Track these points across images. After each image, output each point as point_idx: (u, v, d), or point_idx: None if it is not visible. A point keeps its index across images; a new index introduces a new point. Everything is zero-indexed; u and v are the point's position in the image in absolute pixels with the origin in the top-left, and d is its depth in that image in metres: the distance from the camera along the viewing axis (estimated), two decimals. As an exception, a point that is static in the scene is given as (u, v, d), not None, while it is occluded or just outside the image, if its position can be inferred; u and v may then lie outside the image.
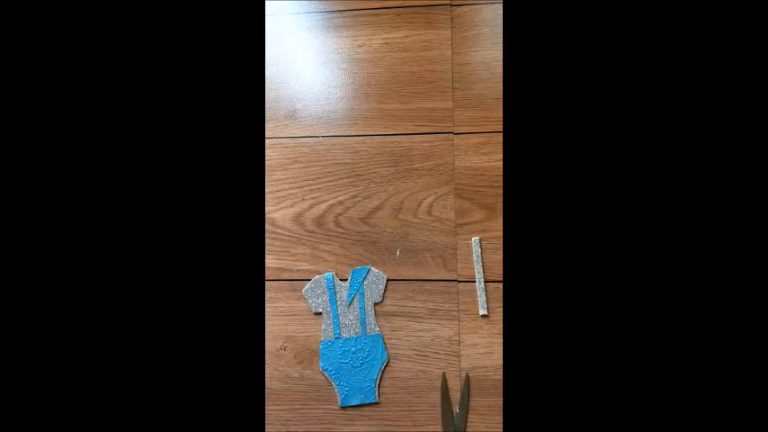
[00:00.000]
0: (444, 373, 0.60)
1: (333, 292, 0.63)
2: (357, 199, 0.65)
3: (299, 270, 0.64)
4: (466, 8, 0.67)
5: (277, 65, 0.69)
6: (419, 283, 0.62)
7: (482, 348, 0.60)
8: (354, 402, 0.60)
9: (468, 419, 0.59)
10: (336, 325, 0.62)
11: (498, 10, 0.67)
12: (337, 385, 0.60)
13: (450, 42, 0.67)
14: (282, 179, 0.66)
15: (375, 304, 0.62)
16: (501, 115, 0.65)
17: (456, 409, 0.59)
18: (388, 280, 0.63)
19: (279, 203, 0.66)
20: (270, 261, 0.64)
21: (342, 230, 0.64)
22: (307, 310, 0.63)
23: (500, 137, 0.64)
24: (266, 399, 0.60)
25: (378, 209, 0.64)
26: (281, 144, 0.67)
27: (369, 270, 0.63)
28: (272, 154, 0.67)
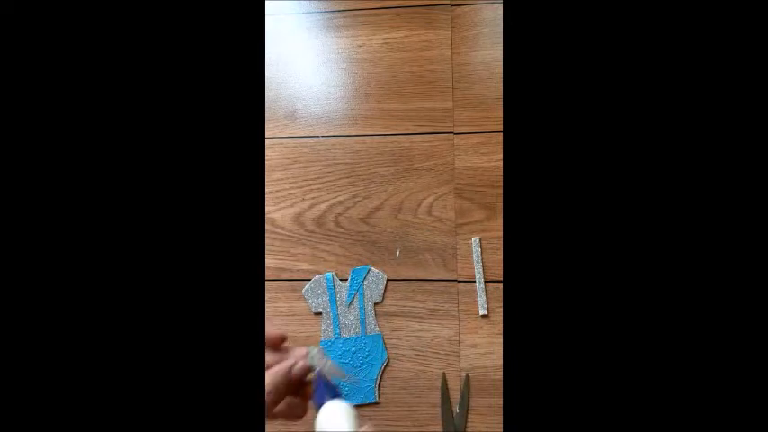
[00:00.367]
0: (444, 373, 0.60)
1: (333, 292, 0.63)
2: (357, 199, 0.65)
3: (299, 270, 0.64)
4: (466, 8, 0.67)
5: (277, 65, 0.69)
6: (419, 283, 0.62)
7: (482, 348, 0.60)
8: (354, 402, 0.60)
9: (468, 419, 0.59)
10: (336, 325, 0.62)
11: (498, 10, 0.67)
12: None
13: (450, 42, 0.67)
14: (282, 179, 0.66)
15: (375, 304, 0.62)
16: (501, 115, 0.65)
17: (456, 409, 0.59)
18: (388, 280, 0.62)
19: (279, 203, 0.66)
20: (270, 261, 0.64)
21: (342, 230, 0.64)
22: (307, 310, 0.63)
23: (500, 137, 0.64)
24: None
25: (378, 209, 0.64)
26: (281, 144, 0.67)
27: (369, 270, 0.63)
28: (272, 154, 0.66)
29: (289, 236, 0.65)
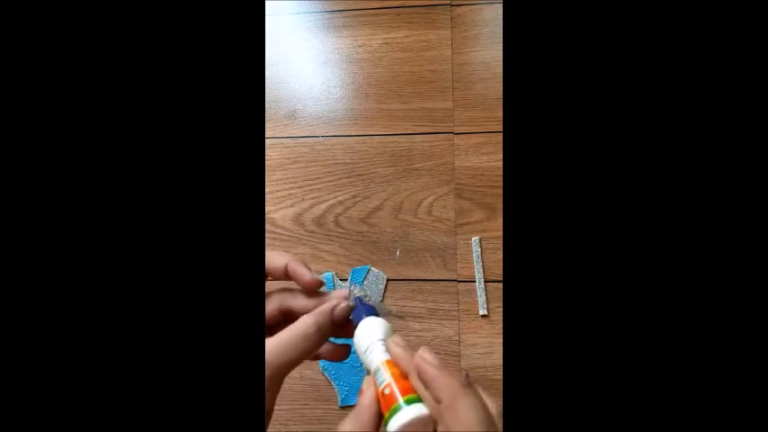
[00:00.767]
0: (444, 373, 0.60)
1: (333, 292, 0.63)
2: (357, 199, 0.65)
3: (299, 270, 0.64)
4: (466, 8, 0.67)
5: (277, 65, 0.69)
6: (419, 283, 0.62)
7: (482, 348, 0.60)
8: (354, 402, 0.60)
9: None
10: (336, 325, 0.62)
11: (498, 10, 0.67)
12: (337, 385, 0.60)
13: (450, 42, 0.67)
14: (282, 179, 0.66)
15: (374, 300, 0.62)
16: (501, 115, 0.65)
17: (456, 409, 0.59)
18: (388, 280, 0.62)
19: (279, 203, 0.66)
20: (270, 261, 0.64)
21: (342, 230, 0.64)
22: (307, 310, 0.63)
23: (500, 137, 0.64)
24: (266, 399, 0.60)
25: (378, 209, 0.64)
26: (281, 144, 0.67)
27: (369, 270, 0.63)
28: (272, 154, 0.66)
29: (289, 236, 0.65)
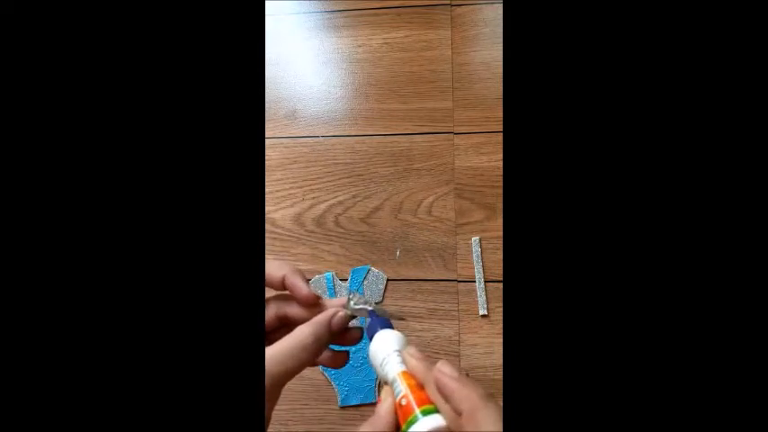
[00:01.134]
0: (444, 373, 0.60)
1: (333, 292, 0.63)
2: (357, 199, 0.65)
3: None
4: (466, 8, 0.67)
5: (277, 65, 0.69)
6: (419, 283, 0.62)
7: (482, 348, 0.60)
8: (354, 402, 0.60)
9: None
10: (336, 325, 0.62)
11: (498, 10, 0.67)
12: (337, 385, 0.60)
13: (450, 42, 0.67)
14: (282, 179, 0.66)
15: (375, 304, 0.62)
16: (501, 115, 0.65)
17: (456, 409, 0.59)
18: (388, 280, 0.62)
19: (279, 203, 0.66)
20: (270, 261, 0.64)
21: (342, 230, 0.64)
22: (307, 310, 0.63)
23: (500, 137, 0.64)
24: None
25: (378, 209, 0.64)
26: (281, 144, 0.67)
27: (369, 270, 0.63)
28: (272, 154, 0.66)
29: (289, 236, 0.65)
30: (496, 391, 0.58)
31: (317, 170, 0.66)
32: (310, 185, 0.66)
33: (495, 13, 0.67)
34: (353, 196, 0.65)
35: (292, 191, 0.66)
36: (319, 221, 0.65)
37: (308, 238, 0.64)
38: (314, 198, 0.65)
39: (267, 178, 0.66)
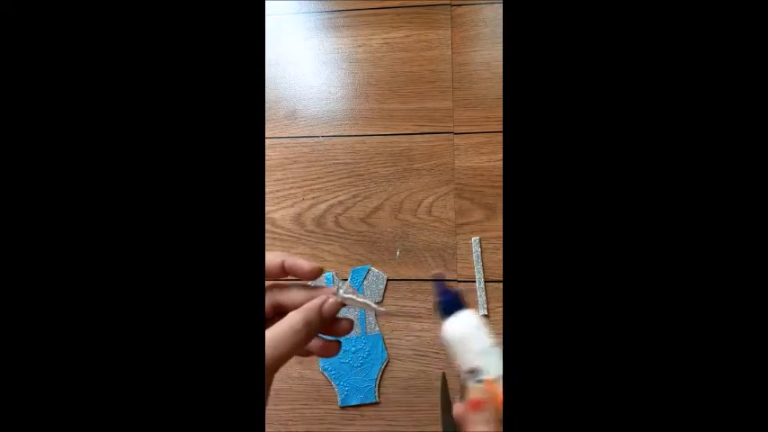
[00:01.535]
0: (444, 373, 0.60)
1: (333, 292, 0.63)
2: (357, 199, 0.65)
3: (299, 270, 0.64)
4: (466, 8, 0.67)
5: (277, 65, 0.69)
6: (419, 283, 0.62)
7: (482, 348, 0.60)
8: (354, 402, 0.60)
9: (468, 419, 0.59)
10: (336, 325, 0.62)
11: (498, 10, 0.67)
12: (337, 385, 0.60)
13: (450, 42, 0.67)
14: (282, 179, 0.66)
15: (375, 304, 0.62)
16: (501, 115, 0.65)
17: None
18: (388, 280, 0.62)
19: (279, 203, 0.66)
20: (270, 261, 0.64)
21: (342, 230, 0.64)
22: (307, 310, 0.63)
23: (500, 137, 0.64)
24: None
25: (378, 209, 0.64)
26: (281, 144, 0.67)
27: (369, 270, 0.63)
28: (272, 154, 0.66)
29: (289, 236, 0.65)
30: (496, 391, 0.59)
31: (317, 170, 0.66)
32: (310, 185, 0.66)
33: (495, 13, 0.67)
34: (353, 196, 0.65)
35: (292, 191, 0.66)
36: (319, 221, 0.65)
37: (308, 238, 0.64)
38: (314, 198, 0.65)
39: (267, 178, 0.66)
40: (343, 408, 0.60)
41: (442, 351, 0.61)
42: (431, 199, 0.64)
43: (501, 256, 0.62)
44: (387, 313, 0.41)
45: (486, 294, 0.61)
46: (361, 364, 0.60)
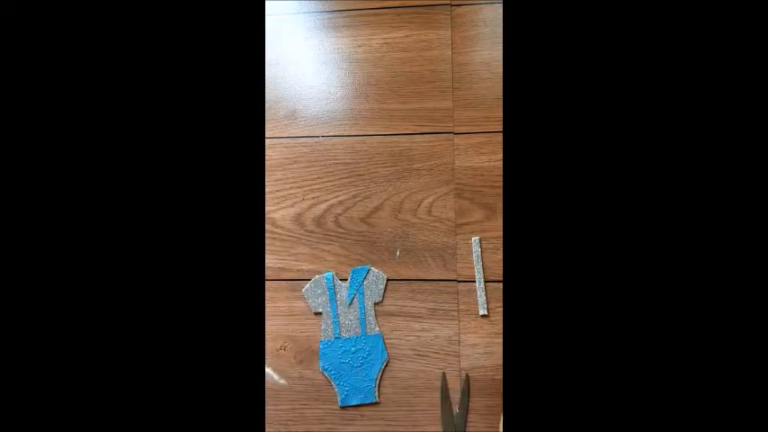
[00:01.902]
0: (444, 373, 0.60)
1: (333, 292, 0.63)
2: (357, 199, 0.65)
3: (299, 270, 0.64)
4: (466, 8, 0.67)
5: (277, 65, 0.69)
6: (419, 282, 0.62)
7: (482, 348, 0.60)
8: (354, 402, 0.60)
9: (468, 419, 0.59)
10: (336, 325, 0.62)
11: (498, 10, 0.67)
12: (337, 385, 0.60)
13: (450, 42, 0.67)
14: (282, 179, 0.66)
15: (375, 304, 0.62)
16: (501, 115, 0.65)
17: (456, 409, 0.59)
18: (388, 280, 0.63)
19: (279, 203, 0.66)
20: (270, 261, 0.64)
21: (342, 230, 0.64)
22: (306, 310, 0.63)
23: (500, 137, 0.64)
24: (266, 399, 0.60)
25: (378, 209, 0.64)
26: (281, 144, 0.67)
27: (369, 270, 0.63)
28: (272, 154, 0.66)
29: (289, 236, 0.65)
30: (496, 392, 0.59)
31: (317, 170, 0.66)
32: (310, 185, 0.66)
33: (495, 13, 0.67)
34: (353, 196, 0.65)
35: (292, 191, 0.66)
36: (319, 221, 0.65)
37: (308, 238, 0.64)
38: (314, 198, 0.65)
39: (267, 178, 0.66)
40: (343, 408, 0.60)
41: (441, 351, 0.61)
42: (431, 199, 0.64)
43: (501, 256, 0.62)
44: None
45: (486, 294, 0.61)
46: (361, 364, 0.60)
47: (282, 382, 0.35)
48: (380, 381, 0.61)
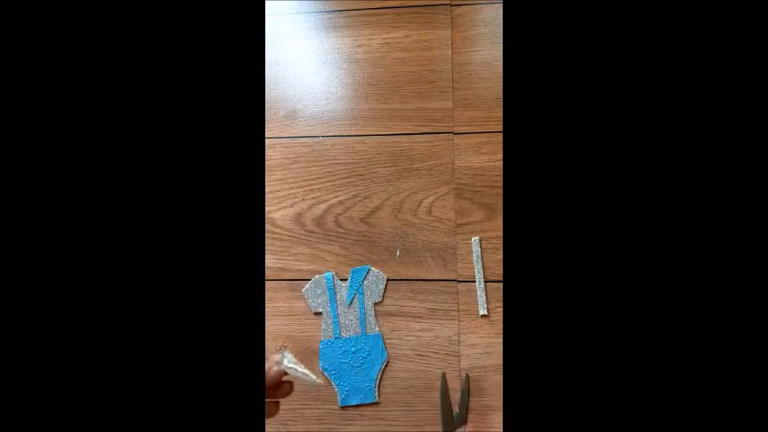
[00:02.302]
0: (444, 373, 0.60)
1: (333, 292, 0.63)
2: (357, 199, 0.65)
3: (299, 270, 0.64)
4: (466, 8, 0.67)
5: (277, 65, 0.69)
6: (419, 282, 0.62)
7: (482, 348, 0.60)
8: (354, 402, 0.60)
9: (468, 419, 0.59)
10: (336, 325, 0.62)
11: (498, 10, 0.67)
12: (337, 385, 0.60)
13: (450, 42, 0.67)
14: (282, 179, 0.66)
15: (375, 304, 0.62)
16: (501, 115, 0.65)
17: (456, 409, 0.59)
18: (388, 280, 0.63)
19: (279, 203, 0.66)
20: (270, 261, 0.64)
21: (342, 230, 0.64)
22: (306, 310, 0.63)
23: (500, 137, 0.64)
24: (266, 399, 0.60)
25: (378, 209, 0.64)
26: (281, 144, 0.67)
27: (369, 270, 0.63)
28: (272, 154, 0.67)
29: (289, 236, 0.65)
30: (496, 392, 0.59)
31: (317, 170, 0.66)
32: (310, 185, 0.66)
33: (495, 13, 0.67)
34: (353, 196, 0.65)
35: (292, 191, 0.66)
36: (319, 221, 0.65)
37: (308, 238, 0.64)
38: (314, 198, 0.65)
39: (267, 178, 0.66)
40: (343, 408, 0.60)
41: (441, 351, 0.61)
42: (431, 199, 0.64)
43: (501, 256, 0.62)
44: (321, 385, 0.45)
45: (486, 294, 0.61)
46: (361, 364, 0.60)
47: (320, 381, 0.37)
48: (380, 381, 0.61)
